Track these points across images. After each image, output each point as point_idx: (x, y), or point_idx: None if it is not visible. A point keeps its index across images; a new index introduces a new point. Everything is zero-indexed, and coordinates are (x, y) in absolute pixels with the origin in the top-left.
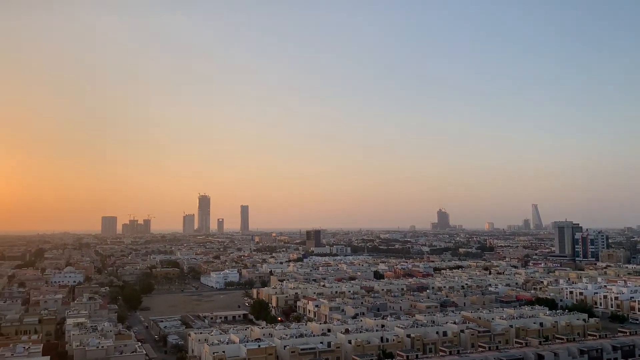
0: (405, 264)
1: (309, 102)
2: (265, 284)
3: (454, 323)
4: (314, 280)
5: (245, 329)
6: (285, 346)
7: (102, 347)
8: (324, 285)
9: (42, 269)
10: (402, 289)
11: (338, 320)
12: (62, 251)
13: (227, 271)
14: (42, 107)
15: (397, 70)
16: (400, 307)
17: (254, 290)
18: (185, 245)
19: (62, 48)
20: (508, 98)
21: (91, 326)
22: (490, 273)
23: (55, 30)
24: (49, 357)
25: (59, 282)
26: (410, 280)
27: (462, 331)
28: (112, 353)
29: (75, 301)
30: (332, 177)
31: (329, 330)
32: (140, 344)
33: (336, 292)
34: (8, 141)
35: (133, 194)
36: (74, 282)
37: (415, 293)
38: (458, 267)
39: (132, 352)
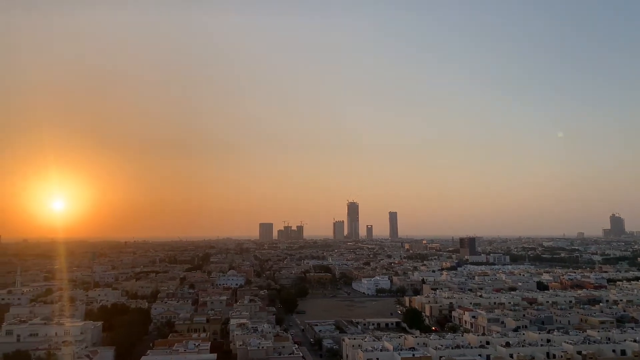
0: (573, 274)
1: (457, 106)
2: (417, 292)
3: (634, 341)
4: (470, 290)
5: (399, 337)
6: (441, 357)
7: (263, 347)
8: (480, 296)
9: (208, 272)
10: (570, 302)
11: (497, 332)
12: (226, 255)
13: (378, 278)
14: (201, 119)
15: (556, 67)
16: (569, 321)
17: (406, 298)
18: (336, 251)
19: (193, 49)
20: None
21: (252, 327)
22: None
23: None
24: (215, 355)
25: (223, 284)
26: (579, 292)
27: None
28: (272, 354)
29: (238, 303)
30: (485, 182)
31: (487, 343)
32: (297, 346)
33: (494, 303)
34: (178, 153)
35: (287, 201)
36: (236, 284)
37: (585, 306)
38: (637, 278)
39: (290, 353)
